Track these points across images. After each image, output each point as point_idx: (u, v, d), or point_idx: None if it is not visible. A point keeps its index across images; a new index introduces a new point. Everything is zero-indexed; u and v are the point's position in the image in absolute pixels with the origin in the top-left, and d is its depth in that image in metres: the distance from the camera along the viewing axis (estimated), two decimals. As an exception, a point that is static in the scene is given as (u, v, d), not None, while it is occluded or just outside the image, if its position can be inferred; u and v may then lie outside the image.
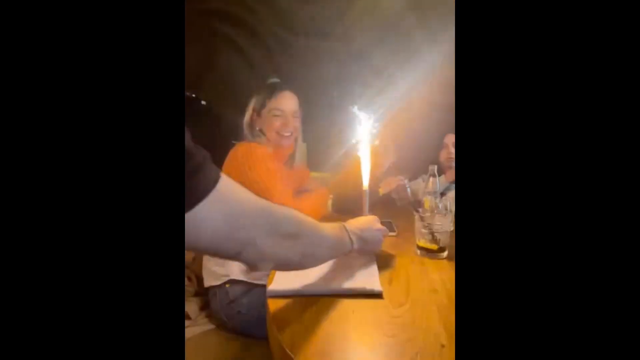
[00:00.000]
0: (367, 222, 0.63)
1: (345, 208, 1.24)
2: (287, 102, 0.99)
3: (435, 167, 0.99)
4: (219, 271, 0.87)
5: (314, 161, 1.74)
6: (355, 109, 0.78)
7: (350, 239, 0.56)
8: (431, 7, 1.79)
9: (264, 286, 0.57)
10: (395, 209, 1.19)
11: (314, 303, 0.48)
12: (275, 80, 1.04)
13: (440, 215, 0.71)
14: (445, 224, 0.69)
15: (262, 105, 0.98)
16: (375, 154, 0.79)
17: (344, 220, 0.61)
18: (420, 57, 1.79)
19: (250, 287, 0.86)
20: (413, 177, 1.50)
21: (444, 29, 1.79)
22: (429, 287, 0.54)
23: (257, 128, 0.99)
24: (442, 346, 0.38)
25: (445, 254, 0.69)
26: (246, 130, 1.00)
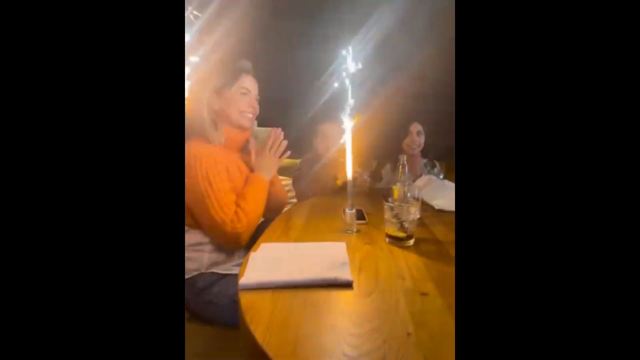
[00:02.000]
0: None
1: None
2: (252, 83, 0.99)
3: (405, 156, 1.02)
4: (189, 266, 0.85)
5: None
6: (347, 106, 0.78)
7: None
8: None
9: (234, 275, 0.56)
10: (367, 198, 1.22)
11: (286, 295, 0.49)
12: (246, 63, 1.00)
13: (407, 204, 0.73)
14: (412, 213, 0.72)
15: (226, 85, 0.95)
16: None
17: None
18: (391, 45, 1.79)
19: (220, 276, 0.86)
20: (381, 164, 1.53)
21: (414, 17, 1.80)
22: (397, 274, 0.57)
23: (216, 108, 0.95)
24: (408, 334, 0.40)
25: (412, 241, 0.72)
26: (205, 114, 0.93)
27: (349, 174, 0.80)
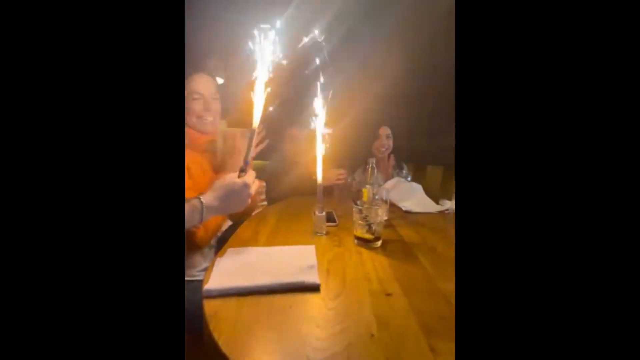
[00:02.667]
0: (224, 179, 0.67)
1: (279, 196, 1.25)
2: (205, 84, 0.92)
3: (374, 160, 1.04)
4: None
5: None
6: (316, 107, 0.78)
7: (199, 200, 0.63)
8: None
9: (199, 282, 0.55)
10: (337, 200, 1.23)
11: (251, 301, 0.48)
12: (211, 61, 0.98)
13: (375, 207, 0.75)
14: (379, 215, 0.74)
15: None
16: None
17: None
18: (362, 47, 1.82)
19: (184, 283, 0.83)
20: (352, 168, 1.56)
21: (384, 18, 1.85)
22: (364, 276, 0.58)
23: None
24: (372, 335, 0.41)
25: (379, 242, 0.74)
26: None
27: (319, 177, 0.80)
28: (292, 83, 0.81)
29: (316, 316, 0.46)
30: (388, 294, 0.52)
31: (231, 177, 0.67)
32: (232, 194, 0.66)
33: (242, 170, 0.67)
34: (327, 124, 0.82)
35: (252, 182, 0.69)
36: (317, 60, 0.74)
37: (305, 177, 1.30)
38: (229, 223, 0.99)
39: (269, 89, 0.65)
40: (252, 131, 0.66)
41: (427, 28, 1.88)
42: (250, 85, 0.66)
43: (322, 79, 0.75)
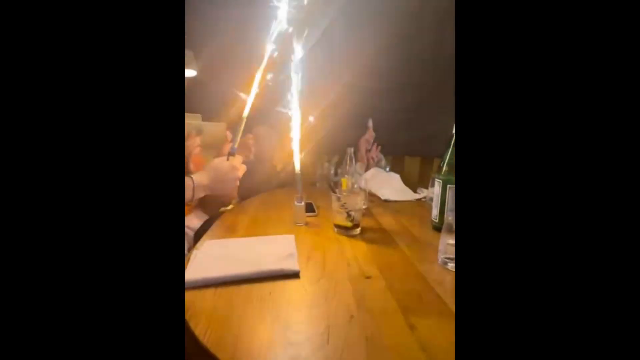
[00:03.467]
0: (214, 162, 0.74)
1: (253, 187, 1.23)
2: None
3: (352, 149, 1.05)
4: None
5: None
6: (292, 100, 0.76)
7: (191, 179, 0.68)
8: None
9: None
10: (318, 191, 1.23)
11: (228, 291, 0.47)
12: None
13: (354, 194, 0.75)
14: (358, 203, 0.74)
15: None
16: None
17: None
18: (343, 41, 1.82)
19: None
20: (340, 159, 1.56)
21: (361, 13, 1.86)
22: (343, 261, 0.58)
23: None
24: (351, 317, 0.42)
25: (358, 230, 0.74)
26: None
27: (297, 166, 0.80)
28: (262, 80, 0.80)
29: (296, 301, 0.45)
30: (368, 277, 0.52)
31: (220, 160, 0.75)
32: (221, 174, 0.73)
33: (231, 154, 0.75)
34: (304, 114, 0.82)
35: (240, 165, 0.77)
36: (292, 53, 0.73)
37: (272, 173, 1.29)
38: (205, 217, 0.97)
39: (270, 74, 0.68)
40: (242, 120, 0.73)
41: (404, 20, 1.91)
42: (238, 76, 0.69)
43: (294, 63, 0.74)
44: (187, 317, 0.41)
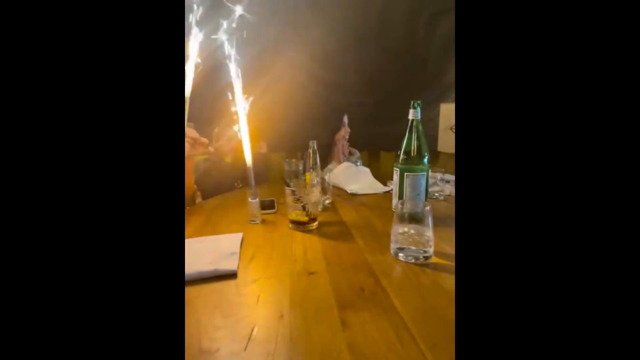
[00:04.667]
0: None
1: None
2: None
3: (315, 142, 1.01)
4: None
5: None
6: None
7: None
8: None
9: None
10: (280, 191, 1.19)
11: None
12: None
13: (310, 187, 0.71)
14: (314, 195, 0.70)
15: None
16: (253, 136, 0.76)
17: None
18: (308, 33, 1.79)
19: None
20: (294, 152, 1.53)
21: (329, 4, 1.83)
22: (290, 258, 0.54)
23: None
24: (281, 316, 0.38)
25: (315, 224, 0.70)
26: None
27: (248, 160, 0.75)
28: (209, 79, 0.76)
29: (224, 303, 0.41)
30: (311, 273, 0.48)
31: None
32: None
33: None
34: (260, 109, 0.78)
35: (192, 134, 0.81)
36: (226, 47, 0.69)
37: (232, 171, 1.25)
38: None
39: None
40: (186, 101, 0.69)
41: (377, 14, 1.89)
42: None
43: (233, 56, 0.69)
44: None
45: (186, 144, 0.81)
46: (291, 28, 1.80)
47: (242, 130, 0.73)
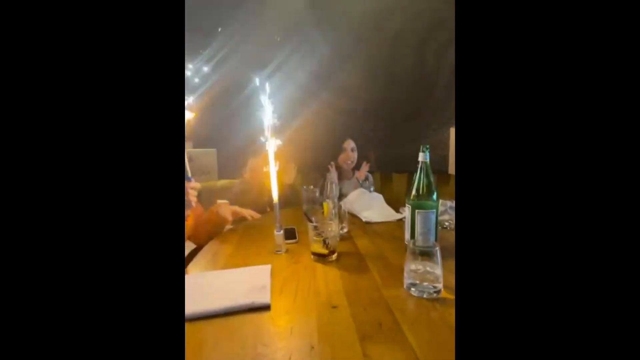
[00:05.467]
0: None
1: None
2: None
3: (331, 174, 1.09)
4: None
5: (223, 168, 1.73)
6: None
7: None
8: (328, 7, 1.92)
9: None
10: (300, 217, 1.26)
11: (200, 325, 0.50)
12: None
13: (329, 222, 0.79)
14: (333, 230, 0.78)
15: None
16: (281, 173, 0.85)
17: None
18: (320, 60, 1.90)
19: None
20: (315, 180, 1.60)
21: (341, 28, 1.94)
22: (314, 291, 0.61)
23: None
24: (312, 348, 0.45)
25: (334, 256, 0.78)
26: None
27: (275, 196, 0.84)
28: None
29: (263, 334, 0.48)
30: (334, 307, 0.56)
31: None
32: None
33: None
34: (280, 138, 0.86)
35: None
36: (257, 81, 0.79)
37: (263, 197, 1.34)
38: (192, 246, 1.00)
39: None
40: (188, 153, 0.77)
41: (382, 41, 1.99)
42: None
43: (266, 91, 0.80)
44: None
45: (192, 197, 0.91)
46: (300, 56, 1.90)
47: (271, 170, 0.81)
